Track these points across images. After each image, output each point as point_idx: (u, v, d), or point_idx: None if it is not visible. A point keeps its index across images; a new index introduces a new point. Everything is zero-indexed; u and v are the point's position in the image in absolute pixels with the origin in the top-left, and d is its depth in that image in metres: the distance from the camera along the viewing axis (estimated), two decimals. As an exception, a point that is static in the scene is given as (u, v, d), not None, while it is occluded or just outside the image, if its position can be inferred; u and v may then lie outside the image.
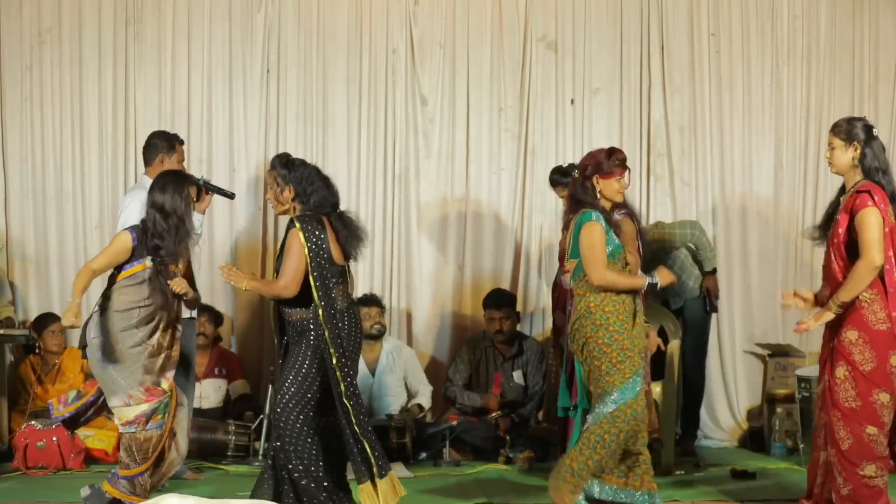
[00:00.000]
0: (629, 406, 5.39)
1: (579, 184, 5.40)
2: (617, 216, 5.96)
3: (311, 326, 5.41)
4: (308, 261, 5.32)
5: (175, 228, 5.69)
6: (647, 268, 5.90)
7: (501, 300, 7.86)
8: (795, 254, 8.44)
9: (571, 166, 6.94)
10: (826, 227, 5.47)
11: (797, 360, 8.11)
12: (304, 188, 5.45)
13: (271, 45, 8.31)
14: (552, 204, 8.11)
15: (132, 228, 5.73)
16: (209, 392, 8.00)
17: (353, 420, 5.34)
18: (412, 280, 8.36)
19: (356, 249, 5.51)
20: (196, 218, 6.48)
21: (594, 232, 5.35)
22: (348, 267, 5.54)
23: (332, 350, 5.32)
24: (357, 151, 8.27)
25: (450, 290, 8.40)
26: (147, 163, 6.73)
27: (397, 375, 7.86)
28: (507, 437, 7.51)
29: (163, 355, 5.68)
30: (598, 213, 5.38)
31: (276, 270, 5.51)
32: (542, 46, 8.40)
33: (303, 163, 5.51)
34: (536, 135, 8.40)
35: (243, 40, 8.32)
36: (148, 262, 5.69)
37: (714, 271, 7.64)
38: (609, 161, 5.41)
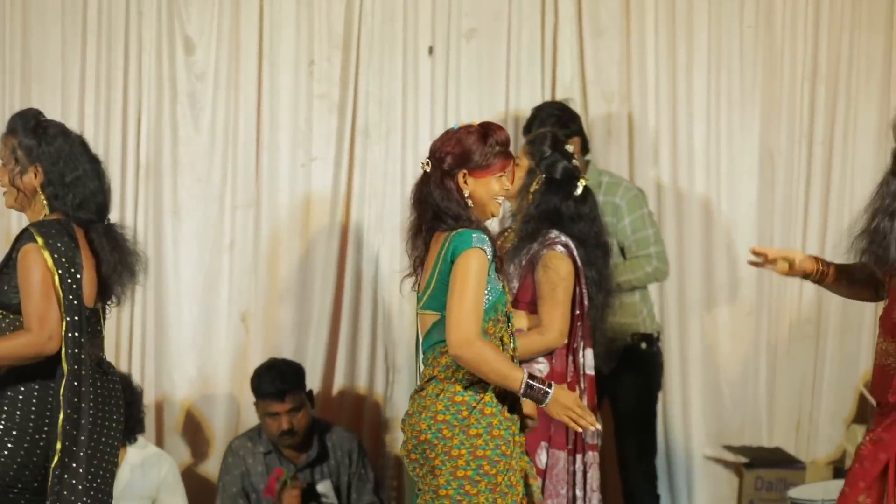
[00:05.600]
0: None
1: (434, 183, 4.46)
2: (543, 247, 5.05)
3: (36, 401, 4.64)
4: (60, 296, 4.53)
5: None
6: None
7: (283, 383, 6.31)
8: (800, 293, 6.87)
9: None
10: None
11: (791, 474, 6.89)
12: (62, 173, 4.67)
13: None
14: (397, 210, 6.67)
15: None
16: None
17: None
18: (167, 337, 6.78)
19: (124, 287, 4.79)
20: None
21: (474, 266, 4.38)
22: (103, 311, 4.80)
23: (60, 440, 4.55)
24: (78, 125, 6.69)
25: (228, 354, 6.82)
26: None
27: (144, 502, 6.42)
28: None
29: None
30: (481, 234, 4.41)
31: None
32: (381, -40, 6.96)
33: (63, 132, 4.72)
34: (371, 104, 6.89)
35: None
36: None
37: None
38: (484, 147, 4.47)
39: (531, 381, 4.28)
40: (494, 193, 4.46)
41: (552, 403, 4.27)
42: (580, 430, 4.31)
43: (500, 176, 4.48)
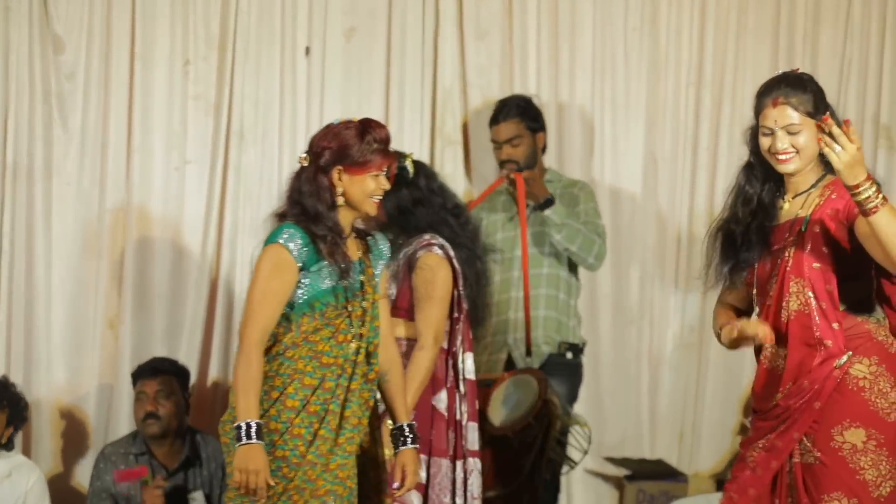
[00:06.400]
0: None
1: (306, 178, 4.38)
2: (419, 249, 4.95)
3: None
4: None
5: None
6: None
7: (160, 364, 6.27)
8: (683, 301, 6.84)
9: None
10: (745, 261, 4.42)
11: (673, 486, 6.86)
12: None
13: None
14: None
15: None
16: None
17: None
18: (35, 343, 6.55)
19: None
20: None
21: (266, 262, 4.33)
22: None
23: None
24: (-59, 129, 6.59)
25: (96, 361, 6.60)
26: None
27: (11, 517, 6.24)
28: None
29: None
30: (297, 231, 4.31)
31: None
32: (255, -42, 6.76)
33: None
34: (247, 106, 6.69)
35: None
36: None
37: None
38: (361, 143, 4.37)
39: (245, 426, 4.13)
40: (370, 192, 4.35)
41: (238, 453, 4.12)
42: (246, 492, 4.09)
43: (377, 175, 4.36)
